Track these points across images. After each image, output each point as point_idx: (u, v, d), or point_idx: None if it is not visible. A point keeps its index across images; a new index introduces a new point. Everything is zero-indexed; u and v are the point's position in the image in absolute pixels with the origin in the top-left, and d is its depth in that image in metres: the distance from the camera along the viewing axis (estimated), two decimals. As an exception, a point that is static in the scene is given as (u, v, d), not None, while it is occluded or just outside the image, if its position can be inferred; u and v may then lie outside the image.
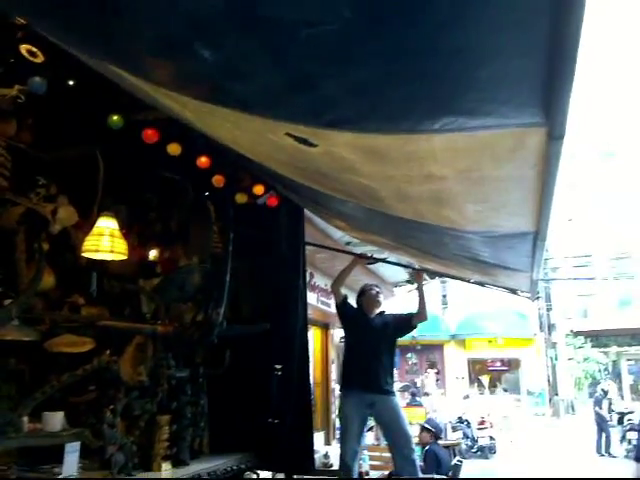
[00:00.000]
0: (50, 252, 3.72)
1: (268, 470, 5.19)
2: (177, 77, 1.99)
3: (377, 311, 4.87)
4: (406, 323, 4.88)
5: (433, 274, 6.14)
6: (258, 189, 4.28)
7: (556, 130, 1.60)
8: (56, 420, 3.38)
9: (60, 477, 3.16)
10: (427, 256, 4.04)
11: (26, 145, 3.41)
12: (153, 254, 4.38)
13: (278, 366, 4.67)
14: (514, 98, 1.55)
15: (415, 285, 5.30)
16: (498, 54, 1.39)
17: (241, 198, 4.30)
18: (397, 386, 12.58)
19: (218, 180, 4.01)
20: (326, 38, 1.39)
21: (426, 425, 7.33)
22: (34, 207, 3.48)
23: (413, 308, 4.96)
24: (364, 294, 4.98)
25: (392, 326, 4.82)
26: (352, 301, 5.07)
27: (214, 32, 1.50)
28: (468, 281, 5.02)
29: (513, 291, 4.67)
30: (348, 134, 1.94)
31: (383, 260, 4.87)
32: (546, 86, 1.40)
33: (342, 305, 4.93)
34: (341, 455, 4.67)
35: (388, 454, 6.64)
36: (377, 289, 4.97)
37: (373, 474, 4.77)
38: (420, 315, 4.85)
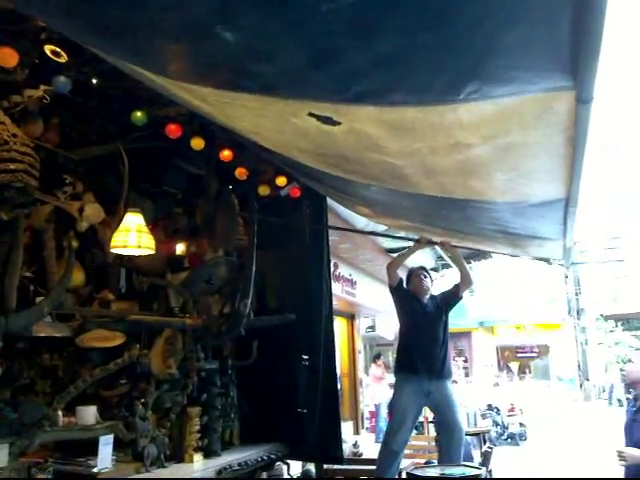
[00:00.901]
0: (79, 249, 3.78)
1: (298, 460, 5.24)
2: (198, 66, 1.99)
3: (427, 293, 4.86)
4: (453, 295, 4.87)
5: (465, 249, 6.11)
6: (281, 180, 4.29)
7: (584, 93, 1.57)
8: (89, 414, 3.45)
9: (95, 469, 3.23)
10: (455, 234, 3.99)
11: (52, 145, 3.45)
12: (180, 248, 4.42)
13: (305, 356, 4.70)
14: (540, 63, 1.52)
15: (449, 255, 5.34)
16: (523, 18, 1.36)
17: (264, 190, 4.31)
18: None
19: (241, 173, 4.03)
20: (347, 11, 1.38)
21: None
22: (62, 205, 3.53)
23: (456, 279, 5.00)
24: (410, 278, 4.98)
25: (443, 305, 4.83)
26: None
27: (235, 13, 1.49)
28: (499, 253, 4.96)
29: (546, 260, 4.59)
30: (372, 108, 1.92)
31: (436, 243, 4.84)
32: (573, 48, 1.37)
33: (398, 288, 4.90)
34: (387, 442, 4.66)
35: (419, 442, 6.69)
36: (424, 273, 4.96)
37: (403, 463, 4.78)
38: (464, 281, 4.86)
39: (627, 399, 3.86)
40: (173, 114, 3.46)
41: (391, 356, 17.47)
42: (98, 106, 3.42)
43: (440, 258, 10.19)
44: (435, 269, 10.24)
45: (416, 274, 4.95)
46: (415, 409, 4.62)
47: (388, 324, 12.85)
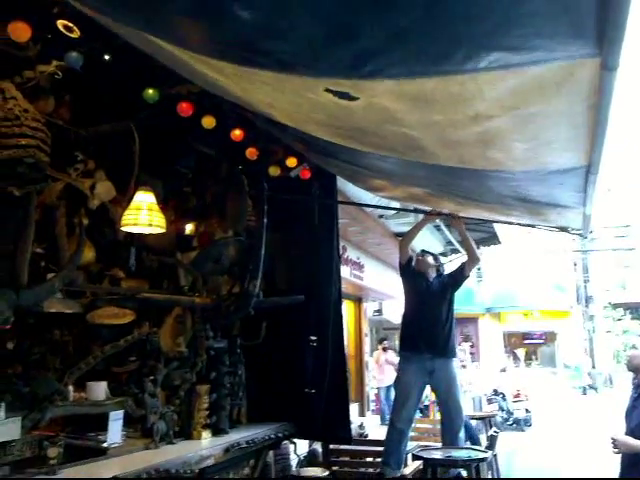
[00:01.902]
0: (89, 227, 3.80)
1: (305, 439, 5.29)
2: (215, 42, 1.98)
3: (433, 274, 4.88)
4: (459, 273, 4.89)
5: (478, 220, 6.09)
6: (291, 161, 4.27)
7: (610, 60, 1.54)
8: (100, 390, 3.50)
9: (105, 444, 3.28)
10: (472, 202, 3.93)
11: (64, 121, 3.45)
12: (189, 228, 4.43)
13: (313, 337, 4.72)
14: (563, 30, 1.49)
15: (457, 232, 5.36)
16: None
17: (274, 171, 4.30)
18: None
19: (251, 153, 4.02)
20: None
21: None
22: (73, 183, 3.54)
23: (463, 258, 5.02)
24: (414, 260, 5.02)
25: (449, 284, 4.85)
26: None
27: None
28: (517, 224, 4.93)
29: (564, 229, 4.55)
30: (391, 82, 1.89)
31: (446, 215, 4.84)
32: (599, 14, 1.34)
33: (406, 265, 4.95)
34: (392, 420, 4.73)
35: (423, 425, 6.73)
36: (424, 253, 5.01)
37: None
38: (470, 259, 4.87)
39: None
40: (185, 92, 3.44)
41: (397, 340, 17.54)
42: (110, 83, 3.40)
43: (449, 243, 10.18)
44: (444, 254, 10.23)
45: (417, 254, 5.04)
46: (418, 387, 4.66)
47: (395, 308, 12.88)
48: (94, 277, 3.84)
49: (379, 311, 13.80)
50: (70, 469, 2.94)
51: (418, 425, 6.41)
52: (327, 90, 2.01)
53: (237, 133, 3.73)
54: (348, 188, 6.00)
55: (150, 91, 3.20)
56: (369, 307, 12.35)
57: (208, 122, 3.51)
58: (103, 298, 3.67)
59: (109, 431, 3.30)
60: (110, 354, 3.55)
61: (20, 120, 2.65)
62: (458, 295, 5.00)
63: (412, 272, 4.96)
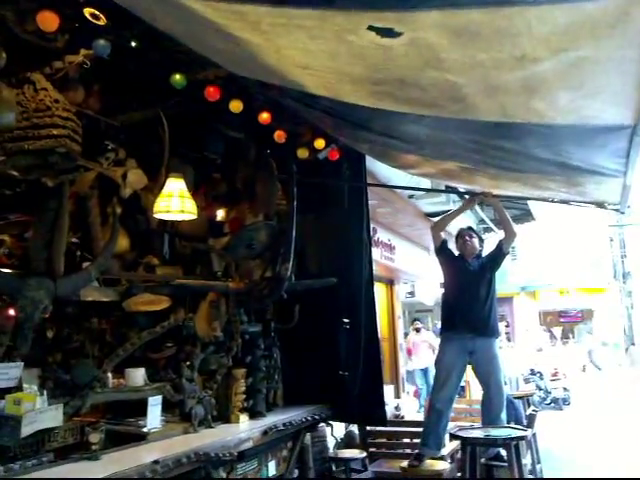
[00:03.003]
0: (123, 215, 3.83)
1: (342, 421, 5.30)
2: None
3: (473, 254, 4.82)
4: (497, 252, 4.82)
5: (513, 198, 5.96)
6: (319, 143, 4.23)
7: None
8: (138, 376, 3.54)
9: (145, 429, 3.33)
10: (507, 175, 3.83)
11: (94, 111, 3.47)
12: (221, 214, 4.44)
13: (346, 320, 4.71)
14: None
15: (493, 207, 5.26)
16: None
17: (303, 153, 4.26)
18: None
19: (280, 136, 3.99)
20: None
21: None
22: (105, 172, 3.57)
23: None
24: (457, 239, 4.98)
25: (488, 265, 4.79)
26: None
27: None
28: (551, 200, 4.81)
29: (600, 205, 4.43)
30: (436, 13, 1.83)
31: (482, 194, 4.75)
32: None
33: (440, 249, 4.91)
34: (432, 400, 4.73)
35: (462, 405, 6.69)
36: (470, 233, 4.93)
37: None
38: (507, 234, 4.82)
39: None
40: (212, 77, 3.42)
41: (431, 322, 17.43)
42: (137, 71, 3.40)
43: (482, 221, 10.03)
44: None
45: (462, 235, 4.94)
46: (458, 367, 4.62)
47: (428, 290, 12.78)
48: (129, 265, 3.89)
49: (412, 293, 13.71)
50: (112, 454, 2.99)
51: (456, 405, 6.37)
52: (370, 28, 1.94)
53: (264, 116, 3.70)
54: (377, 170, 5.94)
55: (177, 76, 3.19)
56: (401, 289, 12.27)
57: (235, 106, 3.49)
58: (138, 285, 3.72)
59: (148, 416, 3.35)
60: (147, 340, 3.59)
61: (51, 110, 2.67)
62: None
63: (448, 254, 4.92)
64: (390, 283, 11.02)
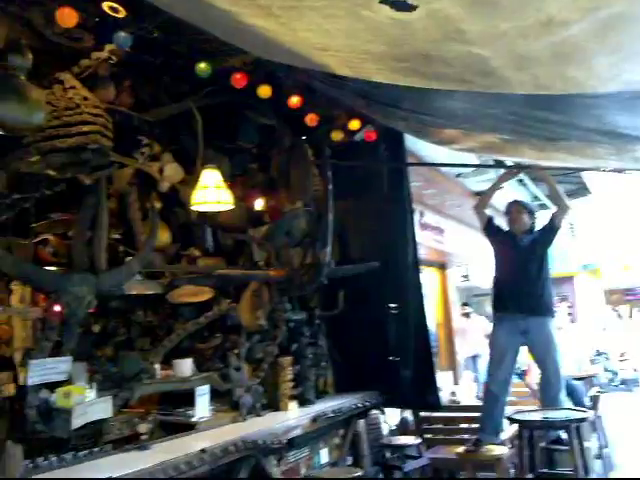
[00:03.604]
0: (163, 210, 3.88)
1: (393, 407, 5.23)
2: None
3: (523, 230, 4.61)
4: (550, 226, 4.59)
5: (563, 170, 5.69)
6: (354, 124, 4.15)
7: None
8: (186, 366, 3.59)
9: (194, 419, 3.36)
10: (553, 145, 3.63)
11: (126, 107, 3.51)
12: (260, 203, 4.44)
13: (393, 305, 4.64)
14: None
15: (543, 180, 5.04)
16: None
17: (337, 135, 4.20)
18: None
19: (312, 119, 3.94)
20: None
21: None
22: (141, 167, 3.62)
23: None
24: (506, 215, 4.79)
25: (540, 241, 4.57)
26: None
27: None
28: (603, 170, 4.56)
29: None
30: None
31: (528, 167, 4.57)
32: None
33: (487, 227, 4.75)
34: (487, 384, 4.60)
35: (523, 389, 6.50)
36: (518, 208, 4.70)
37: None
38: (559, 209, 4.60)
39: None
40: (238, 64, 3.41)
41: (489, 307, 17.02)
42: (165, 64, 3.43)
43: (536, 198, 9.68)
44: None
45: (509, 210, 4.72)
46: (512, 349, 4.45)
47: (483, 272, 12.47)
48: (171, 258, 3.93)
49: (466, 277, 13.42)
50: (161, 444, 3.03)
51: (517, 389, 6.20)
52: (382, 1, 1.85)
53: (295, 100, 3.66)
54: (419, 148, 5.80)
55: (202, 65, 3.19)
56: (455, 273, 12.02)
57: (264, 92, 3.46)
58: (181, 277, 3.76)
59: (197, 406, 3.39)
60: (193, 331, 3.63)
61: (81, 108, 2.71)
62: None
63: (496, 232, 4.73)
64: (442, 267, 10.80)
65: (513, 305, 4.43)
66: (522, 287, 4.42)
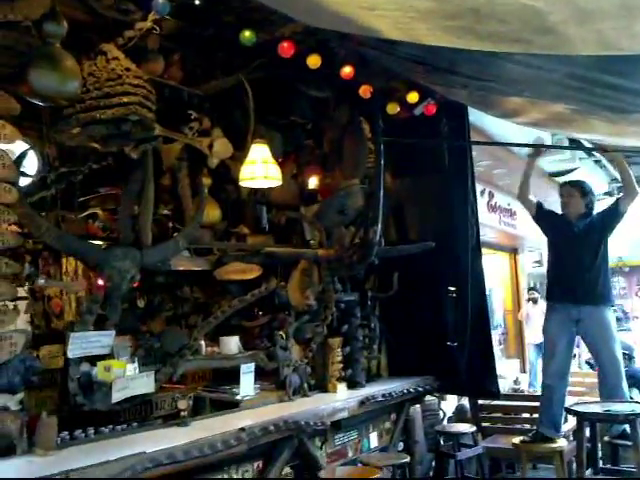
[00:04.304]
0: (213, 186, 3.84)
1: (449, 393, 5.07)
2: None
3: (578, 214, 4.29)
4: (612, 211, 4.28)
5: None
6: (412, 97, 3.94)
7: None
8: (232, 343, 3.55)
9: (238, 397, 3.33)
10: (628, 117, 3.30)
11: (176, 81, 3.47)
12: (313, 181, 4.33)
13: (452, 288, 4.44)
14: None
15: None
16: None
17: (393, 108, 4.00)
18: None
19: (365, 91, 3.75)
20: None
21: None
22: (190, 142, 3.57)
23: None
24: (560, 198, 4.50)
25: (599, 225, 4.26)
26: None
27: None
28: None
29: None
30: None
31: (558, 147, 4.25)
32: None
33: (536, 214, 4.53)
34: (542, 375, 4.42)
35: (590, 379, 6.14)
36: (568, 190, 4.39)
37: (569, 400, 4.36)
38: (627, 193, 4.25)
39: None
40: (288, 33, 3.29)
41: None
42: (215, 36, 3.34)
43: (614, 180, 9.08)
44: (609, 193, 9.17)
45: (562, 193, 4.43)
46: (565, 339, 4.19)
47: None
48: (220, 235, 3.89)
49: (539, 262, 12.84)
50: (202, 421, 3.01)
51: (579, 379, 5.88)
52: None
53: (347, 71, 3.49)
54: (487, 125, 5.50)
55: (247, 33, 3.08)
56: (527, 258, 11.53)
57: (313, 61, 3.32)
58: (230, 254, 3.71)
59: (241, 384, 3.34)
60: (239, 309, 3.58)
61: (122, 79, 2.66)
62: (628, 242, 4.35)
63: (547, 217, 4.47)
64: (513, 252, 10.38)
65: (565, 293, 4.21)
66: (574, 274, 4.17)
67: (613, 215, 4.24)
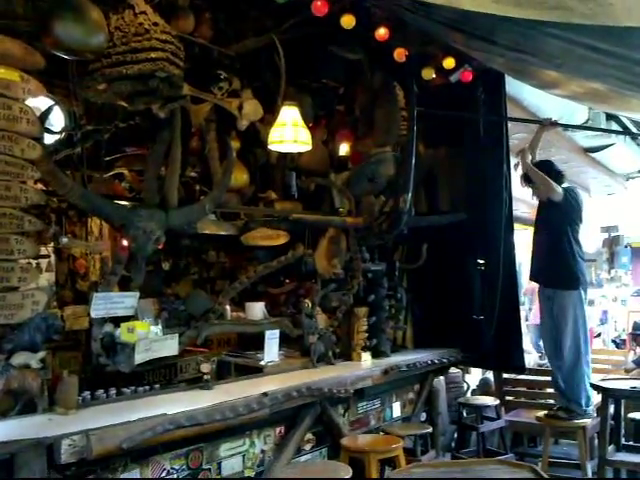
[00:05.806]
0: (242, 150, 3.77)
1: (473, 366, 5.01)
2: None
3: (542, 195, 4.11)
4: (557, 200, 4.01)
5: None
6: (449, 63, 3.78)
7: None
8: (257, 309, 3.53)
9: (262, 362, 3.31)
10: None
11: (206, 40, 3.38)
12: (343, 147, 4.23)
13: (481, 261, 4.33)
14: None
15: None
16: None
17: (428, 74, 3.84)
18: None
19: (400, 54, 3.60)
20: None
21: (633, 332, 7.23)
22: (219, 103, 3.49)
23: None
24: None
25: (553, 208, 4.03)
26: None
27: None
28: None
29: None
30: None
31: (573, 126, 4.01)
32: None
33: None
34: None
35: (616, 357, 6.03)
36: (526, 176, 4.16)
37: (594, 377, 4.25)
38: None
39: None
40: (321, -7, 3.15)
41: (594, 273, 15.87)
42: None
43: (654, 156, 8.74)
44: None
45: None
46: (549, 319, 4.07)
47: (588, 236, 11.58)
48: (248, 200, 3.84)
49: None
50: (225, 385, 3.00)
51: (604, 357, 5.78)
52: None
53: (382, 32, 3.35)
54: (523, 95, 5.29)
55: (279, -8, 2.95)
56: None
57: (347, 21, 3.19)
58: (257, 220, 3.66)
59: (265, 349, 3.33)
60: (265, 275, 3.54)
61: (149, 34, 2.58)
62: None
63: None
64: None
65: (536, 274, 4.20)
66: (542, 256, 4.10)
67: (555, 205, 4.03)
